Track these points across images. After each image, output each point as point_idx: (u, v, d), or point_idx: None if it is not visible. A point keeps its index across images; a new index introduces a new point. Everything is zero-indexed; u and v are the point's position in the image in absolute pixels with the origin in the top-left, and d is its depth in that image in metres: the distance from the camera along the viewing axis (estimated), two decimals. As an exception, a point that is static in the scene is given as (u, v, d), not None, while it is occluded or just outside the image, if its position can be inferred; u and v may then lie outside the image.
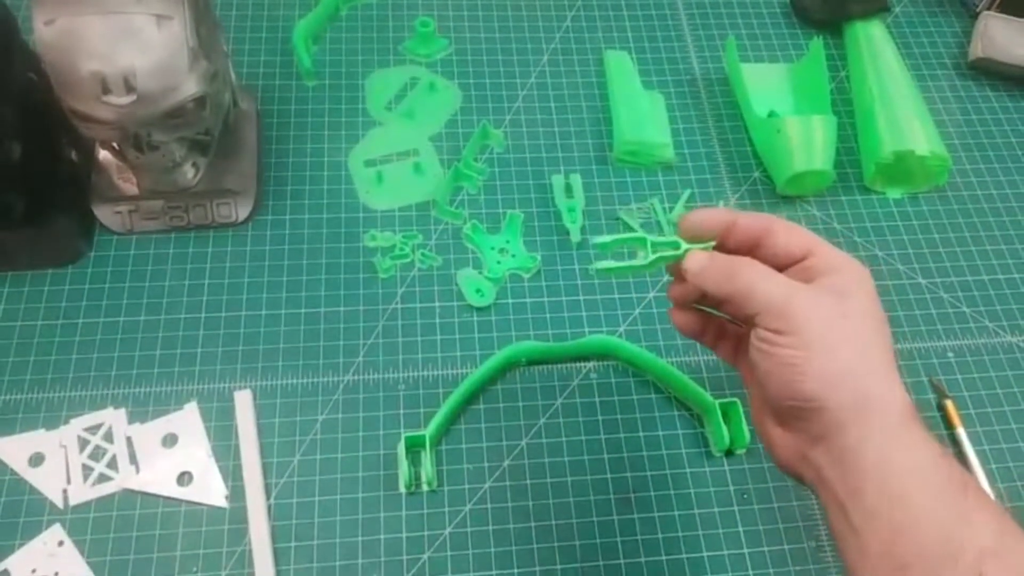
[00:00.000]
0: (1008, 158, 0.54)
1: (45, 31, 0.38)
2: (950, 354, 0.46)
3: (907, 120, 0.50)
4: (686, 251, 0.30)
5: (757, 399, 0.31)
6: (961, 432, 0.43)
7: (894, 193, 0.52)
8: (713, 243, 0.30)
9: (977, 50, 0.56)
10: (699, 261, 0.30)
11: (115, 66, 0.38)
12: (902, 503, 0.25)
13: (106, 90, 0.38)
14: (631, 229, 0.49)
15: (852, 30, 0.57)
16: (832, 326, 0.27)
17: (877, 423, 0.26)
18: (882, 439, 0.26)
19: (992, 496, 0.26)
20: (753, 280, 0.28)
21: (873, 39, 0.55)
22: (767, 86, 0.54)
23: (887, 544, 0.25)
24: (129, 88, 0.38)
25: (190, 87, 0.40)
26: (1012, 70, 0.56)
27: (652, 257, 0.31)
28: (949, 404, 0.44)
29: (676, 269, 0.31)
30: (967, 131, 0.55)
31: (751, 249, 0.30)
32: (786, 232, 0.29)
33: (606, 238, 0.32)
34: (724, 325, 0.33)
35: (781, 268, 0.29)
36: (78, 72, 0.38)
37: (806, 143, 0.48)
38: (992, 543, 0.24)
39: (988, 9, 0.58)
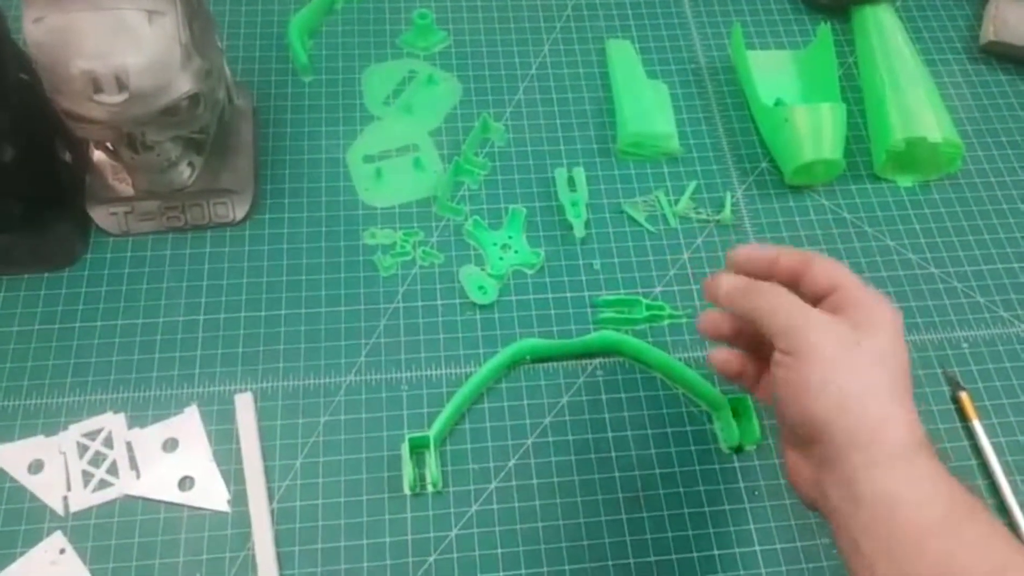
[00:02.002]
0: (1021, 143, 0.53)
1: (34, 29, 0.37)
2: (964, 345, 0.45)
3: (918, 106, 0.49)
4: (670, 315, 0.42)
5: (783, 429, 0.32)
6: (976, 424, 0.42)
7: (905, 181, 0.51)
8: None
9: (989, 33, 0.55)
10: (730, 281, 0.33)
11: (107, 64, 0.37)
12: (902, 534, 0.26)
13: (98, 89, 0.37)
14: (636, 223, 0.48)
15: (860, 14, 0.55)
16: (843, 354, 0.28)
17: (880, 452, 0.27)
18: (883, 469, 0.27)
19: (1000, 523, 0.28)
20: (773, 301, 0.31)
21: (882, 23, 0.54)
22: (774, 73, 0.53)
23: (891, 571, 0.26)
24: (121, 87, 0.38)
25: (184, 85, 0.39)
26: (1025, 53, 0.55)
27: (645, 314, 0.43)
28: (964, 396, 0.43)
29: (712, 290, 0.34)
30: (979, 117, 0.54)
31: (793, 286, 0.32)
32: (821, 266, 0.31)
33: (608, 297, 0.45)
34: (761, 367, 0.34)
35: (817, 303, 0.31)
36: (69, 71, 0.37)
37: (815, 132, 0.47)
38: (991, 570, 0.25)
39: (1000, -9, 0.57)
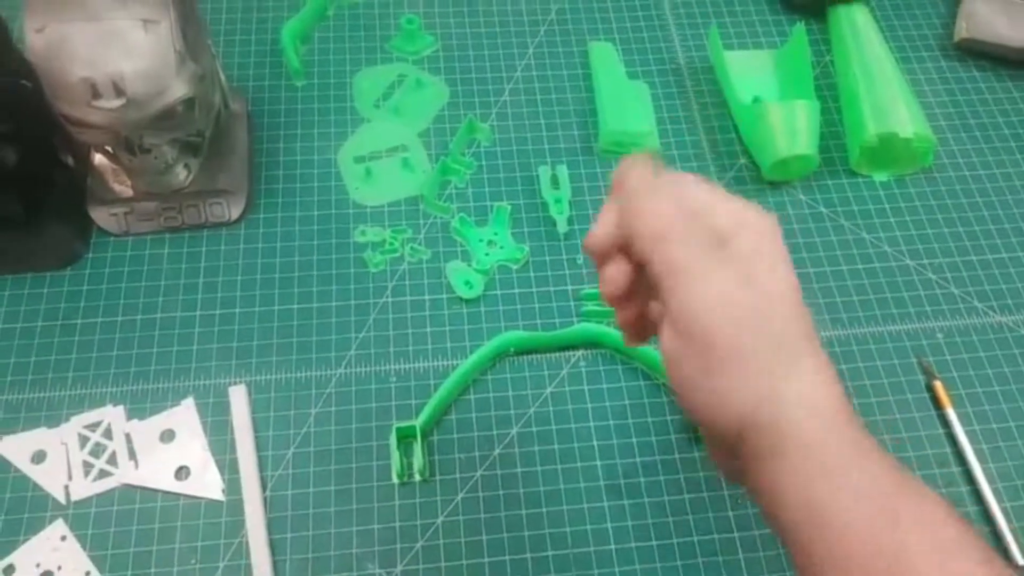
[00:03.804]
0: (995, 137, 0.54)
1: (36, 38, 0.39)
2: (939, 335, 0.46)
3: (891, 102, 0.50)
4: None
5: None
6: (951, 413, 0.43)
7: (880, 176, 0.52)
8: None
9: (962, 30, 0.56)
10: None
11: (104, 71, 0.39)
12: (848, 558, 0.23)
13: (96, 95, 0.39)
14: (618, 219, 0.50)
15: (836, 14, 0.57)
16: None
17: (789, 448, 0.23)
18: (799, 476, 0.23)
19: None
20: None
21: (856, 23, 0.55)
22: (751, 73, 0.54)
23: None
24: (119, 92, 0.39)
25: (178, 89, 0.41)
26: (997, 49, 0.56)
27: None
28: (938, 385, 0.44)
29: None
30: (953, 112, 0.55)
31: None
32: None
33: (591, 290, 0.45)
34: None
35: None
36: (68, 78, 0.39)
37: (789, 128, 0.49)
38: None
39: (974, -11, 0.58)
